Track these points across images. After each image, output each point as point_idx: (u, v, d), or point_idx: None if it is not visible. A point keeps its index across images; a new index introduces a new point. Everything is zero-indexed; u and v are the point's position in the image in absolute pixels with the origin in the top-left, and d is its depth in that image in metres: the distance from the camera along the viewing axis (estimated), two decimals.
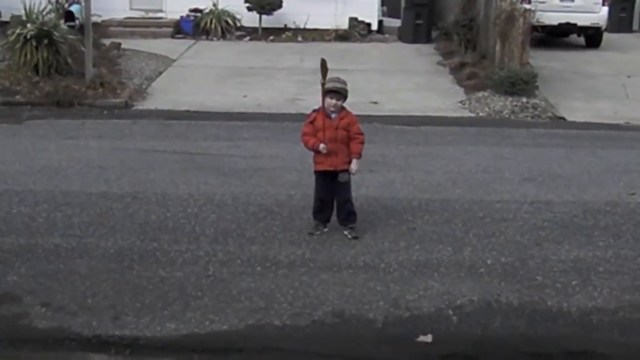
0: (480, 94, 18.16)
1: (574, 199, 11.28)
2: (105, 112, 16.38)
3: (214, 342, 7.53)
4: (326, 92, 9.56)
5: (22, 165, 12.36)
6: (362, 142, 9.71)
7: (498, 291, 8.52)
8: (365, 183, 11.32)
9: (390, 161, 12.87)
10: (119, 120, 15.71)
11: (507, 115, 16.98)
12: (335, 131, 9.56)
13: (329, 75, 9.61)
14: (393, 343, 7.58)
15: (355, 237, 9.73)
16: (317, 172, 9.82)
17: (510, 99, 17.64)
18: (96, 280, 8.63)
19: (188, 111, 16.51)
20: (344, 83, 9.67)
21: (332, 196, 9.83)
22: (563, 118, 17.03)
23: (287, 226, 10.07)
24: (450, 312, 8.09)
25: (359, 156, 9.69)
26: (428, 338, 7.64)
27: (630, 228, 10.29)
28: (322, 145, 9.52)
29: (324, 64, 9.49)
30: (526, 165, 12.90)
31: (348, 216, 9.84)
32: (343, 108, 9.70)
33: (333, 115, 9.61)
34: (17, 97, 16.95)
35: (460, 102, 18.00)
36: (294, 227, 10.02)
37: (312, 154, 9.72)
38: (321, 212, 9.89)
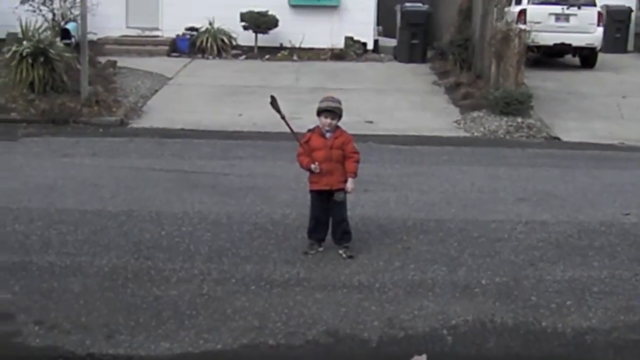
0: (475, 114, 18.20)
1: (568, 219, 11.28)
2: (100, 130, 16.38)
3: None
4: (321, 112, 9.64)
5: (17, 183, 12.35)
6: (358, 161, 9.71)
7: (493, 311, 8.51)
8: (360, 202, 11.31)
9: (385, 180, 12.88)
10: (115, 138, 15.71)
11: (502, 135, 17.02)
12: (330, 151, 9.61)
13: (326, 94, 9.97)
14: None
15: (350, 257, 9.70)
16: (312, 192, 9.80)
17: (505, 119, 17.69)
18: (90, 299, 8.61)
19: (183, 129, 16.52)
20: (339, 102, 9.72)
21: (327, 215, 9.81)
22: (558, 138, 17.06)
23: (282, 245, 10.06)
24: (445, 332, 8.07)
25: (355, 175, 9.69)
26: (423, 358, 7.62)
27: (624, 248, 10.29)
28: (313, 166, 9.57)
29: (273, 100, 9.88)
30: (521, 185, 12.91)
31: (343, 235, 9.81)
32: (338, 127, 9.73)
33: (327, 135, 9.66)
34: (13, 114, 16.97)
35: (456, 121, 18.04)
36: (288, 246, 10.01)
37: (307, 173, 9.72)
38: (316, 231, 9.86)
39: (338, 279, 9.16)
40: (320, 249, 9.88)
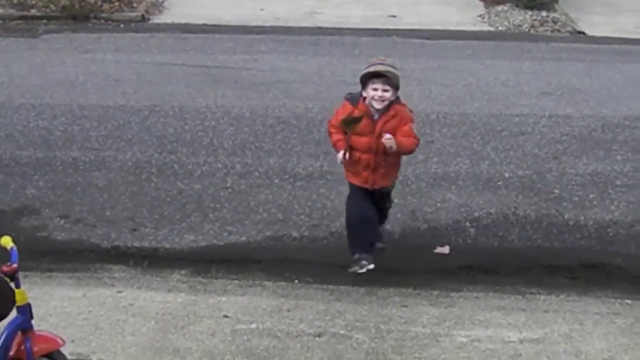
0: (499, 8, 17.94)
1: (592, 113, 11.20)
2: (121, 25, 16.27)
3: (232, 253, 7.58)
4: (367, 78, 6.78)
5: (39, 79, 12.34)
6: (414, 145, 7.00)
7: (515, 204, 8.53)
8: None
9: (409, 75, 12.74)
10: (136, 34, 15.61)
11: (526, 30, 16.80)
12: (377, 140, 6.81)
13: (374, 59, 7.10)
14: (411, 254, 7.61)
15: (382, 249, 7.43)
16: (351, 183, 7.20)
17: (530, 12, 17.44)
18: (114, 193, 8.68)
19: (205, 25, 16.38)
20: (393, 66, 6.90)
21: (372, 211, 7.12)
22: (583, 32, 16.82)
23: (305, 139, 10.06)
24: (468, 224, 8.11)
25: (404, 148, 6.94)
26: (445, 249, 7.67)
27: None
28: (339, 154, 6.94)
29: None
30: (545, 80, 12.80)
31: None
32: (393, 102, 6.87)
33: (376, 116, 6.84)
34: (33, 11, 16.84)
35: (480, 15, 17.80)
36: (311, 140, 10.01)
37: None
38: (361, 236, 7.04)
39: None
40: (371, 266, 6.93)
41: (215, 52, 14.20)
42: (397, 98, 6.89)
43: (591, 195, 8.76)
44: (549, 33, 16.66)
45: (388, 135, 6.70)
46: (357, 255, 6.90)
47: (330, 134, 7.05)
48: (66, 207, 8.38)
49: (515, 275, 7.28)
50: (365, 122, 6.76)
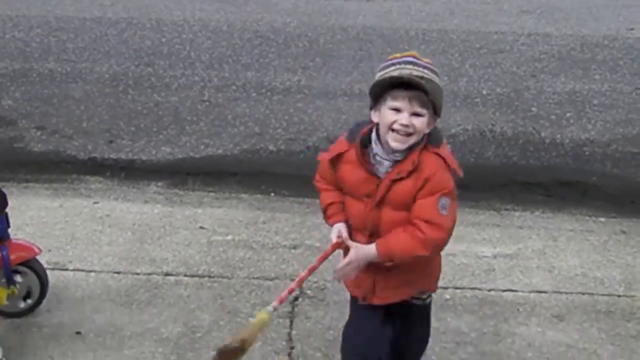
0: None
1: (572, 32, 11.18)
2: None
3: (208, 165, 7.55)
4: (386, 87, 3.57)
5: None
6: (427, 240, 3.57)
7: (492, 121, 8.54)
8: (362, 12, 11.21)
9: None
10: None
11: None
12: (376, 211, 3.69)
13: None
14: None
15: None
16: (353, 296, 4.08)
17: None
18: (91, 105, 8.63)
19: None
20: (433, 68, 3.69)
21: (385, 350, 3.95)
22: None
23: (283, 53, 10.00)
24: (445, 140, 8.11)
25: (389, 257, 3.64)
26: None
27: (627, 62, 10.25)
28: (333, 233, 3.88)
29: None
30: None
31: None
32: (427, 145, 3.65)
33: (385, 164, 3.67)
34: None
35: None
36: (289, 54, 9.96)
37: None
38: None
39: (339, 86, 9.14)
40: None
41: None
42: (434, 134, 3.69)
43: (568, 114, 8.78)
44: None
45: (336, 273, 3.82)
46: None
47: (318, 190, 4.06)
48: (43, 119, 8.32)
49: (491, 192, 7.30)
50: (359, 173, 3.73)
